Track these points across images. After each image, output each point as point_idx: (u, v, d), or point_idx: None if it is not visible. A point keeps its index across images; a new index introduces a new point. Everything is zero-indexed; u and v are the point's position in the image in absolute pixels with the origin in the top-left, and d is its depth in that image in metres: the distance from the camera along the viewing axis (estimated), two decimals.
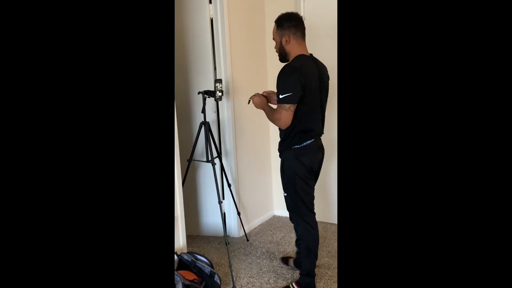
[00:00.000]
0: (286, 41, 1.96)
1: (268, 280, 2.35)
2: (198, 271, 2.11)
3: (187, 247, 2.56)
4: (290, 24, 1.94)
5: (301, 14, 3.07)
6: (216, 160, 2.67)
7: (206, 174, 3.00)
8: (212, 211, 3.04)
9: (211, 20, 2.83)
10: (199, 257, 2.20)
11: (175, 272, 1.93)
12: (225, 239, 2.41)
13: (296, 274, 2.37)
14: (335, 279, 2.31)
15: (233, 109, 2.95)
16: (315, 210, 2.12)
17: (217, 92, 2.46)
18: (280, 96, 1.85)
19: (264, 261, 2.60)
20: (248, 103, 2.22)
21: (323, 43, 2.90)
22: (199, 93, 2.54)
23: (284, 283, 2.29)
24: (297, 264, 2.36)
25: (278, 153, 2.13)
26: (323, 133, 2.09)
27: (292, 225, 3.22)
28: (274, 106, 2.04)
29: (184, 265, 2.14)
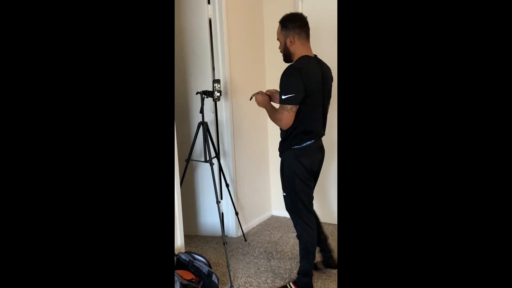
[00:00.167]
0: (291, 41, 1.96)
1: (266, 280, 2.35)
2: (196, 271, 2.12)
3: (185, 247, 2.56)
4: (294, 25, 1.95)
5: None
6: (214, 160, 2.68)
7: (204, 174, 3.00)
8: (210, 211, 3.05)
9: (210, 21, 2.84)
10: (196, 256, 2.20)
11: None
12: (223, 239, 2.41)
13: (294, 274, 2.38)
14: (332, 279, 2.32)
15: (231, 110, 2.95)
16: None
17: (215, 92, 2.47)
18: (283, 97, 1.85)
19: (262, 261, 2.61)
20: (250, 99, 2.22)
21: (322, 44, 2.90)
22: (197, 93, 2.55)
23: (282, 283, 2.29)
24: (327, 264, 2.36)
25: (278, 153, 2.13)
26: (324, 134, 2.09)
27: (290, 226, 3.24)
28: (277, 106, 2.05)
29: (181, 264, 2.15)
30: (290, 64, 1.97)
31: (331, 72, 2.07)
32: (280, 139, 2.12)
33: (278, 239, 2.99)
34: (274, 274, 2.42)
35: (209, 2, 2.81)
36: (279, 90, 2.06)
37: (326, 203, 3.20)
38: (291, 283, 2.18)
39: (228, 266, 2.36)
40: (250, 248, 2.85)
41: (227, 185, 2.84)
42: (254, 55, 3.27)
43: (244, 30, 3.11)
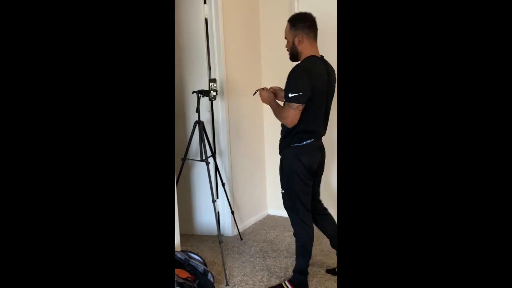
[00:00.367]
0: (299, 41, 1.97)
1: (261, 278, 2.36)
2: (192, 269, 2.12)
3: (181, 246, 2.56)
4: (304, 24, 1.96)
5: None
6: (210, 159, 2.68)
7: (200, 173, 3.01)
8: (206, 210, 3.05)
9: (206, 20, 2.84)
10: (192, 255, 2.21)
11: None
12: (219, 238, 2.42)
13: (289, 272, 2.39)
14: (328, 277, 2.33)
15: (228, 109, 2.96)
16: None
17: (212, 91, 2.47)
18: (290, 95, 1.87)
19: (258, 260, 2.62)
20: (254, 94, 2.24)
21: (318, 44, 2.91)
22: (193, 92, 2.55)
23: (277, 281, 2.30)
24: None
25: (278, 151, 2.13)
26: (324, 134, 2.11)
27: (285, 225, 3.25)
28: (280, 103, 2.07)
29: (177, 263, 2.15)
30: (298, 63, 1.99)
31: (335, 74, 2.09)
32: (279, 138, 2.13)
33: (274, 238, 3.00)
34: (270, 272, 2.43)
35: (205, 2, 2.82)
36: (282, 88, 2.10)
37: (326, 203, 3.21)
38: (286, 282, 2.19)
39: (223, 265, 2.37)
40: (246, 247, 2.86)
41: (223, 184, 2.85)
42: (251, 54, 3.28)
43: (240, 30, 3.11)
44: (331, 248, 2.70)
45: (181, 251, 2.22)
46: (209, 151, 2.64)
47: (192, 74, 2.94)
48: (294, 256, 2.62)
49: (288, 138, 2.02)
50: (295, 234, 2.14)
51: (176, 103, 2.96)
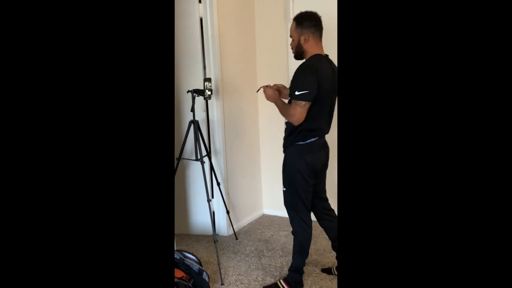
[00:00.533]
0: (305, 39, 1.99)
1: (256, 277, 2.36)
2: (186, 269, 2.12)
3: (176, 246, 2.56)
4: (310, 23, 1.98)
5: (290, 15, 3.10)
6: (205, 159, 2.68)
7: (195, 172, 3.00)
8: (201, 209, 3.05)
9: (201, 20, 2.84)
10: (187, 254, 2.21)
11: None
12: (214, 237, 2.42)
13: (284, 271, 2.40)
14: (323, 276, 2.34)
15: (223, 108, 2.96)
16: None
17: (207, 91, 2.47)
18: (296, 93, 1.88)
19: (253, 259, 2.62)
20: (257, 91, 2.25)
21: None
22: (188, 91, 2.55)
23: (272, 280, 2.31)
24: None
25: (282, 149, 2.13)
26: (328, 132, 2.11)
27: (281, 224, 3.26)
28: (285, 101, 2.08)
29: None
30: (304, 61, 2.00)
31: None
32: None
33: (269, 237, 3.01)
34: (265, 271, 2.43)
35: (200, 1, 2.82)
36: (285, 85, 2.14)
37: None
38: (281, 280, 2.20)
39: (218, 264, 2.37)
40: (241, 246, 2.86)
41: (218, 184, 2.85)
42: (246, 54, 3.28)
43: (235, 29, 3.11)
44: (326, 247, 2.72)
45: (176, 250, 2.22)
46: (204, 150, 2.64)
47: (187, 74, 2.94)
48: (290, 255, 2.63)
49: (292, 136, 2.02)
50: (293, 233, 2.14)
51: None
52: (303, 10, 3.11)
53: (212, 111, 2.97)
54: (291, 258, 2.57)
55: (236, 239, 2.99)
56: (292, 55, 3.24)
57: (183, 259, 2.15)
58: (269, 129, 3.42)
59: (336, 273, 2.32)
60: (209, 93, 2.49)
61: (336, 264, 2.39)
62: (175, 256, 2.16)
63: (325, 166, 2.15)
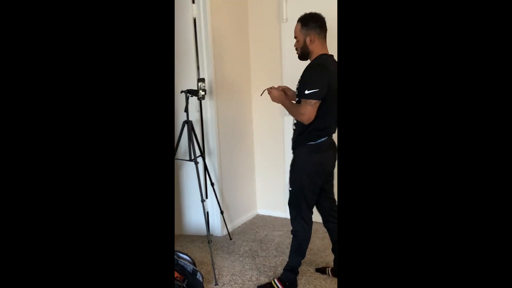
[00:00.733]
0: (311, 40, 2.00)
1: (251, 277, 2.37)
2: (181, 269, 2.12)
3: None
4: (316, 24, 1.99)
5: (284, 15, 3.11)
6: (199, 159, 2.68)
7: (189, 173, 3.00)
8: (195, 210, 3.05)
9: (194, 20, 2.84)
10: (181, 255, 2.20)
11: None
12: (208, 238, 2.42)
13: (279, 271, 2.40)
14: (317, 276, 2.35)
15: (216, 108, 2.96)
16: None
17: (200, 91, 2.47)
18: (306, 92, 1.88)
19: (247, 259, 2.62)
20: (261, 94, 2.25)
21: None
22: (182, 92, 2.55)
23: (267, 280, 2.31)
24: (336, 273, 2.31)
25: (291, 149, 2.14)
26: (335, 132, 2.12)
27: (275, 224, 3.26)
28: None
29: None
30: (313, 60, 2.01)
31: None
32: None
33: (263, 237, 3.01)
34: (259, 272, 2.43)
35: (193, 2, 2.81)
36: (288, 87, 2.14)
37: None
38: (275, 280, 2.20)
39: (213, 265, 2.37)
40: (235, 246, 2.86)
41: (212, 184, 2.85)
42: (239, 54, 3.28)
43: (228, 29, 3.12)
44: (320, 247, 2.73)
45: None
46: (198, 151, 2.64)
47: (180, 74, 2.94)
48: (284, 255, 2.64)
49: (303, 136, 2.02)
50: (293, 232, 2.13)
51: None
52: (297, 10, 3.13)
53: (205, 111, 2.97)
54: (285, 258, 2.58)
55: (230, 239, 2.99)
56: (286, 55, 3.27)
57: (177, 260, 2.15)
58: (263, 130, 3.43)
59: (330, 274, 2.32)
60: (203, 93, 2.48)
61: (330, 265, 2.40)
62: None
63: (334, 165, 2.15)
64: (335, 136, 2.41)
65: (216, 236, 3.08)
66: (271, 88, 2.13)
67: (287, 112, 3.16)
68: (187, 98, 2.51)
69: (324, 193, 2.16)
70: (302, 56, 2.08)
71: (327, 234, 2.88)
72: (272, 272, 2.41)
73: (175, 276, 2.03)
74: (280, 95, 2.09)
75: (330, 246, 2.69)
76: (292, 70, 3.17)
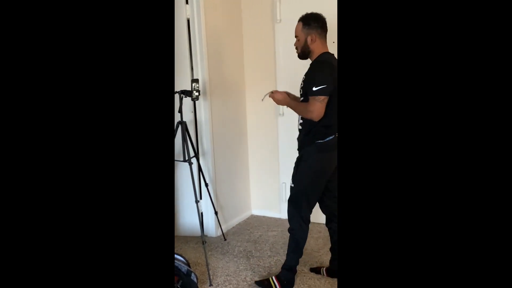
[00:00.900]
0: (312, 39, 2.02)
1: (245, 278, 2.37)
2: (175, 270, 2.11)
3: None
4: (317, 24, 2.01)
5: (277, 16, 3.12)
6: (193, 160, 2.68)
7: (183, 173, 2.99)
8: (189, 211, 3.04)
9: (188, 21, 2.84)
10: (175, 256, 2.20)
11: None
12: (202, 239, 2.42)
13: (273, 272, 2.40)
14: (311, 275, 2.35)
15: (211, 109, 2.96)
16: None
17: (194, 92, 2.47)
18: (314, 88, 1.89)
19: (241, 260, 2.62)
20: (262, 100, 2.25)
21: None
22: (176, 92, 2.54)
23: None
24: (331, 272, 2.31)
25: (297, 148, 2.14)
26: None
27: (269, 224, 3.27)
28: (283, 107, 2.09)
29: None
30: (316, 58, 2.03)
31: None
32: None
33: (258, 238, 3.01)
34: (254, 272, 2.44)
35: (187, 2, 2.81)
36: (288, 91, 2.14)
37: None
38: (273, 277, 2.20)
39: (207, 265, 2.37)
40: (229, 247, 2.86)
41: (206, 185, 2.84)
42: (233, 55, 3.28)
43: (222, 30, 3.12)
44: (314, 247, 2.74)
45: None
46: (192, 151, 2.64)
47: (174, 74, 2.93)
48: (278, 255, 2.65)
49: (311, 134, 2.02)
50: (290, 230, 2.14)
51: None
52: (290, 11, 3.13)
53: (199, 112, 2.96)
54: (280, 258, 2.59)
55: (225, 240, 2.99)
56: (280, 56, 3.27)
57: None
58: (257, 130, 3.43)
59: (324, 273, 2.33)
60: (197, 94, 2.48)
61: (324, 264, 2.41)
62: None
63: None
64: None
65: (211, 237, 3.08)
66: (271, 92, 2.13)
67: (281, 113, 3.18)
68: (181, 99, 2.51)
69: (329, 193, 2.17)
70: (302, 55, 2.09)
71: (322, 234, 2.92)
72: (266, 272, 2.42)
73: None
74: (284, 97, 2.10)
75: (325, 246, 2.71)
76: (286, 71, 3.17)
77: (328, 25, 2.05)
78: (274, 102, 2.15)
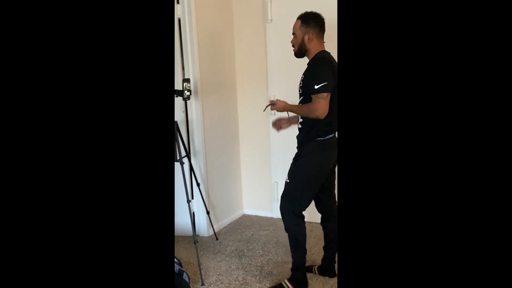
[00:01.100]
0: (309, 38, 2.02)
1: (237, 277, 2.37)
2: None
3: None
4: (316, 24, 2.02)
5: (269, 16, 3.13)
6: (185, 160, 2.67)
7: (175, 173, 2.98)
8: (181, 210, 3.03)
9: (179, 20, 2.83)
10: None
11: None
12: (194, 238, 2.41)
13: (265, 271, 2.41)
14: (310, 275, 2.36)
15: (202, 109, 2.96)
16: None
17: (185, 91, 2.46)
18: (316, 86, 1.88)
19: (233, 259, 2.63)
20: (264, 110, 2.27)
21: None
22: None
23: (253, 280, 2.32)
24: (323, 271, 2.32)
25: (297, 145, 2.13)
26: None
27: (261, 224, 3.27)
28: (281, 114, 2.11)
29: None
30: (314, 56, 2.03)
31: None
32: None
33: (250, 237, 3.02)
34: (245, 271, 2.44)
35: (178, 2, 2.81)
36: (285, 100, 2.13)
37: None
38: (286, 280, 2.18)
39: (199, 265, 2.36)
40: (221, 246, 2.86)
41: (198, 185, 2.84)
42: (224, 54, 3.28)
43: (213, 30, 3.11)
44: (311, 248, 2.74)
45: None
46: (184, 151, 2.63)
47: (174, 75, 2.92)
48: (270, 254, 2.66)
49: (313, 132, 2.02)
50: (286, 229, 2.13)
51: None
52: (281, 11, 3.14)
53: (191, 112, 2.96)
54: (271, 257, 2.60)
55: (217, 239, 2.99)
56: (271, 55, 3.28)
57: None
58: (249, 130, 3.44)
59: (316, 272, 2.35)
60: (188, 93, 2.48)
61: (316, 263, 2.42)
62: None
63: (336, 164, 2.16)
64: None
65: (202, 237, 3.07)
66: (271, 101, 2.12)
67: (272, 112, 3.19)
68: None
69: (326, 190, 2.17)
70: (299, 53, 2.09)
71: (313, 233, 2.93)
72: (258, 272, 2.42)
73: None
74: (285, 103, 2.09)
75: (316, 245, 2.72)
76: (277, 70, 3.18)
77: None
78: (275, 110, 2.13)
